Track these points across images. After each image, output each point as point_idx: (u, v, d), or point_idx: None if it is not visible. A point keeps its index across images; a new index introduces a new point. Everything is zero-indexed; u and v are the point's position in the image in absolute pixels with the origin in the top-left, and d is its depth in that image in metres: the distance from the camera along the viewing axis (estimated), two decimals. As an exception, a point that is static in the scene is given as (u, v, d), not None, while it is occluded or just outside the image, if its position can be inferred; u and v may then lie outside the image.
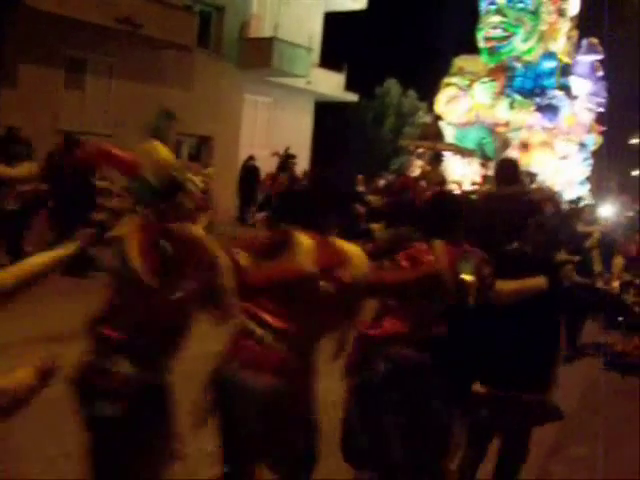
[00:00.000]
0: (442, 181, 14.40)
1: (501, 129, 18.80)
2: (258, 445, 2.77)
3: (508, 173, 5.42)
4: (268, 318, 2.75)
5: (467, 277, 3.16)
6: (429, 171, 14.60)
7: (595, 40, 20.92)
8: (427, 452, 3.27)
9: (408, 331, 3.27)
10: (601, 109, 21.46)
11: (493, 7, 19.02)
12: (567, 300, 4.41)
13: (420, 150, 18.13)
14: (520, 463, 3.79)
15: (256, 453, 2.82)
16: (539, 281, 3.57)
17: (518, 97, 18.57)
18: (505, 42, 18.92)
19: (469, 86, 19.40)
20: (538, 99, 18.50)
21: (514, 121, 18.57)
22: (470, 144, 18.59)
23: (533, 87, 18.74)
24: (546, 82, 18.78)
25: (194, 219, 2.78)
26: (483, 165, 18.07)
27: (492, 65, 19.37)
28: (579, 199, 19.90)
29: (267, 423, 2.71)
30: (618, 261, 9.33)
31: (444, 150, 17.50)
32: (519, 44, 18.96)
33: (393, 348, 3.25)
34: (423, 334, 3.31)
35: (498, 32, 18.91)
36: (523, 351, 3.58)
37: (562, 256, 4.79)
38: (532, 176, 17.38)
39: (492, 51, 19.04)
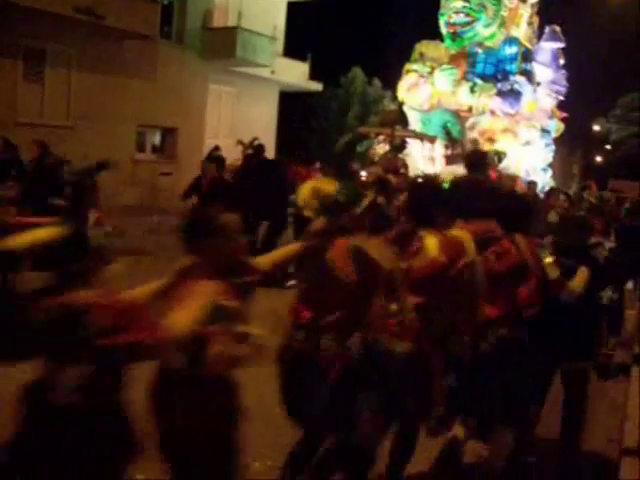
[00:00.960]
0: (403, 168, 14.50)
1: (464, 114, 18.87)
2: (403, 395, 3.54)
3: (476, 161, 6.05)
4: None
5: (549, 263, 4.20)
6: (389, 159, 14.67)
7: (557, 28, 21.12)
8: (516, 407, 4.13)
9: (504, 314, 3.98)
10: (561, 97, 21.68)
11: (454, -9, 19.06)
12: (608, 275, 5.23)
13: (381, 137, 18.16)
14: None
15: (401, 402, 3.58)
16: (585, 270, 4.33)
17: (479, 81, 18.67)
18: (468, 27, 18.97)
19: (430, 73, 19.44)
20: (500, 84, 18.60)
21: (476, 106, 18.66)
22: (435, 127, 18.61)
23: (495, 72, 18.84)
24: (508, 67, 18.90)
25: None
26: (447, 147, 18.17)
27: (454, 50, 19.42)
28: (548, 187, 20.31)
29: (408, 378, 3.50)
30: None
31: (403, 136, 17.55)
32: (481, 29, 19.03)
33: (495, 328, 3.97)
34: (517, 316, 4.07)
35: (461, 17, 18.94)
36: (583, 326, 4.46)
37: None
38: (500, 155, 17.61)
39: (455, 36, 19.08)
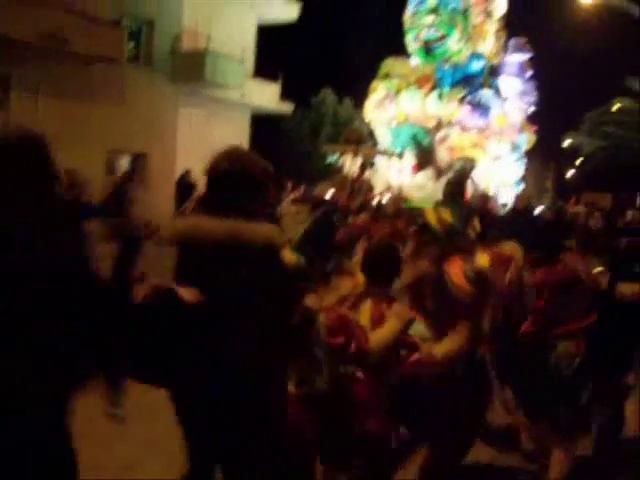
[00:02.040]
0: (369, 188, 14.42)
1: (433, 127, 18.87)
2: None
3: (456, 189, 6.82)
4: None
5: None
6: (343, 178, 14.59)
7: (523, 39, 21.33)
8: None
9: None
10: (532, 108, 21.83)
11: (424, 7, 19.13)
12: None
13: (347, 155, 18.08)
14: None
15: None
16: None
17: (446, 88, 18.76)
18: (439, 43, 19.08)
19: (396, 92, 19.46)
20: (469, 96, 18.70)
21: (444, 115, 18.70)
22: (404, 140, 18.59)
23: (462, 85, 18.95)
24: (475, 82, 19.03)
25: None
26: (417, 157, 18.14)
27: (425, 66, 19.47)
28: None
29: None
30: None
31: (367, 154, 17.52)
32: (453, 45, 19.16)
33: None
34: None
35: (432, 32, 19.04)
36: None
37: None
38: (471, 162, 17.65)
39: (428, 51, 19.13)
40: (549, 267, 4.43)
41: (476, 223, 5.51)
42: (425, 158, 18.15)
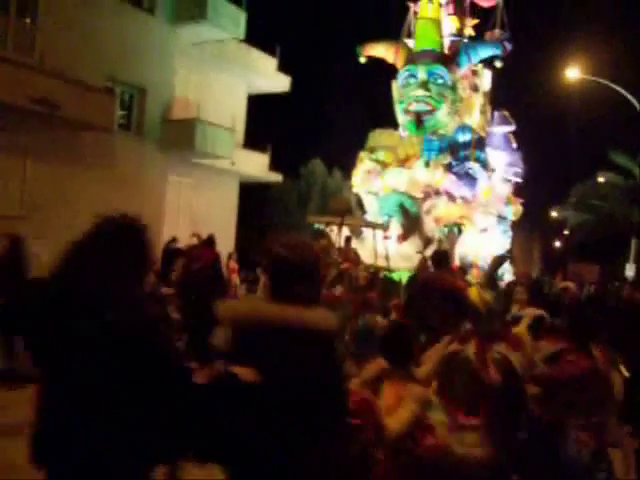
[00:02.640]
0: (355, 260, 14.28)
1: (421, 198, 18.93)
2: None
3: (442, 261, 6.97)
4: None
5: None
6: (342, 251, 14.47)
7: (506, 112, 21.76)
8: None
9: None
10: (518, 179, 22.07)
11: (414, 80, 19.47)
12: None
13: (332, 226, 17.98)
14: None
15: None
16: None
17: (433, 155, 18.95)
18: (429, 115, 19.36)
19: (383, 167, 19.59)
20: (456, 167, 18.88)
21: (431, 183, 18.81)
22: (391, 207, 18.59)
23: (448, 153, 19.16)
24: (462, 154, 19.25)
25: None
26: (403, 226, 18.09)
27: (412, 137, 19.70)
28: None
29: None
30: None
31: (352, 225, 17.46)
32: (442, 117, 19.46)
33: None
34: None
35: (422, 105, 19.34)
36: None
37: None
38: (460, 226, 17.68)
39: (419, 124, 19.38)
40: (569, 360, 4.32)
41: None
42: (412, 227, 18.14)
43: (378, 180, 19.35)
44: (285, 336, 2.65)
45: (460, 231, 17.82)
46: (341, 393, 2.87)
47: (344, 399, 2.91)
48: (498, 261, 6.60)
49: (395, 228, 18.12)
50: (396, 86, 20.05)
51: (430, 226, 18.59)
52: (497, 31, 21.05)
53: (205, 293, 9.33)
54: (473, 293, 4.16)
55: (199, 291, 10.07)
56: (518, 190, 22.29)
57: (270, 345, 2.65)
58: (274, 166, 26.37)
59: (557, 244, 54.51)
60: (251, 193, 28.12)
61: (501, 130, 21.75)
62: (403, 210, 18.17)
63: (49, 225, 16.37)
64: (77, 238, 2.69)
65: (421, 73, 19.22)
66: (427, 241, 18.18)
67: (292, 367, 2.63)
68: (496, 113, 21.67)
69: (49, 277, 2.60)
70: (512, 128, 21.90)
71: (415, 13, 21.74)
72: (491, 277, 8.16)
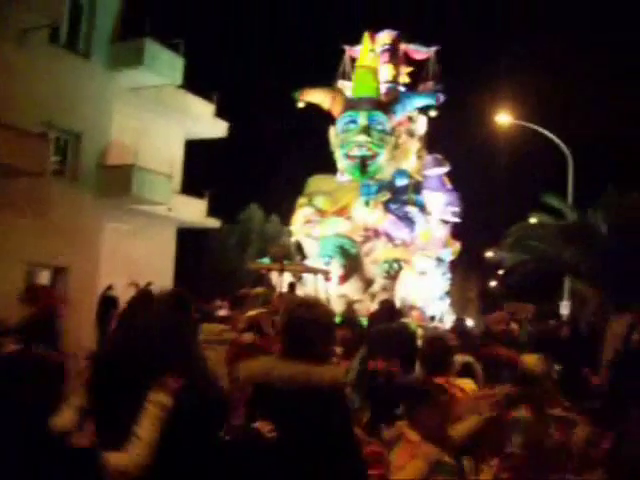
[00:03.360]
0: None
1: (359, 239, 19.00)
2: None
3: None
4: None
5: None
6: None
7: (439, 155, 22.26)
8: None
9: None
10: (457, 219, 22.44)
11: (354, 126, 19.67)
12: None
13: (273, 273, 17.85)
14: None
15: None
16: None
17: (372, 195, 19.13)
18: (371, 161, 19.58)
19: (321, 215, 19.63)
20: (393, 208, 19.07)
21: (370, 223, 18.94)
22: (331, 248, 18.56)
23: (387, 200, 19.36)
24: (400, 198, 19.50)
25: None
26: (344, 267, 18.07)
27: (351, 182, 19.87)
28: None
29: None
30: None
31: (293, 271, 17.40)
32: (383, 162, 19.72)
33: None
34: None
35: (364, 150, 19.53)
36: None
37: None
38: (399, 262, 17.74)
39: (364, 168, 19.53)
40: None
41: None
42: (352, 267, 18.17)
43: (317, 228, 19.39)
44: (295, 391, 2.86)
45: (400, 267, 17.92)
46: (351, 444, 3.02)
47: (355, 449, 3.04)
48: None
49: (336, 269, 18.07)
50: (334, 132, 20.23)
51: (370, 268, 18.66)
52: (430, 83, 21.61)
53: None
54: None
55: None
56: (455, 232, 22.67)
57: (283, 400, 2.87)
58: (212, 212, 26.21)
59: (493, 284, 55.59)
60: (188, 239, 27.82)
61: (435, 172, 22.18)
62: (343, 251, 18.19)
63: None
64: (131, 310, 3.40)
65: (362, 119, 19.46)
66: (367, 282, 18.23)
67: (303, 420, 2.84)
68: (429, 156, 22.11)
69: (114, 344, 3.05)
70: (446, 170, 22.38)
71: (350, 57, 22.18)
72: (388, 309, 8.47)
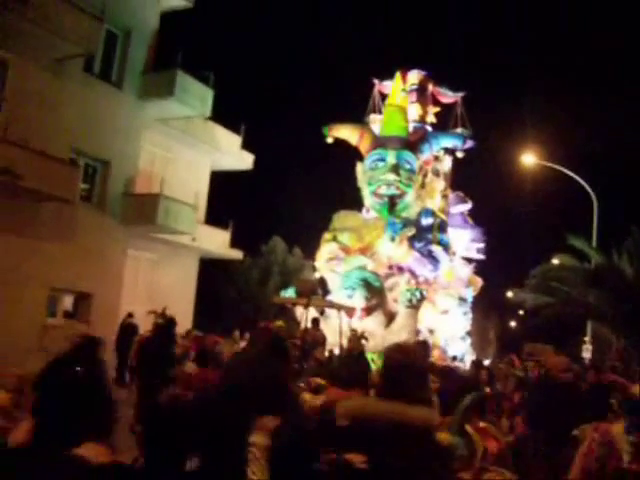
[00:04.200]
0: (322, 342, 14.15)
1: (383, 273, 18.91)
2: None
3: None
4: None
5: None
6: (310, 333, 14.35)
7: (461, 193, 22.25)
8: None
9: None
10: (481, 256, 22.31)
11: (382, 164, 19.73)
12: None
13: (299, 307, 17.83)
14: None
15: None
16: None
17: (399, 230, 19.06)
18: (400, 199, 19.63)
19: (346, 253, 19.60)
20: (418, 246, 19.00)
21: (395, 259, 18.87)
22: (355, 281, 18.45)
23: (412, 238, 19.29)
24: (425, 237, 19.45)
25: None
26: (367, 299, 17.93)
27: (377, 220, 19.86)
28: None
29: None
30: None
31: (318, 306, 17.36)
32: (411, 201, 19.76)
33: None
34: None
35: (392, 189, 19.59)
36: None
37: None
38: (422, 292, 17.62)
39: (393, 207, 19.57)
40: None
41: None
42: (375, 300, 18.02)
43: (341, 265, 19.36)
44: (388, 429, 3.03)
45: (423, 296, 17.77)
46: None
47: None
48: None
49: (359, 301, 17.95)
50: (362, 168, 20.32)
51: (392, 304, 18.52)
52: (459, 129, 21.72)
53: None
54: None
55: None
56: (477, 271, 22.54)
57: (377, 436, 3.04)
58: (235, 243, 26.32)
59: (513, 325, 55.05)
60: (212, 269, 27.93)
61: (459, 209, 22.17)
62: (366, 284, 18.10)
63: (6, 298, 15.95)
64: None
65: (391, 157, 19.54)
66: (390, 317, 18.08)
67: (395, 455, 2.98)
68: (451, 195, 22.11)
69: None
70: (469, 207, 22.35)
71: (379, 91, 22.37)
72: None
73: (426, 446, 3.12)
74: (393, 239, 18.90)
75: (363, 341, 13.49)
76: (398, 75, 21.22)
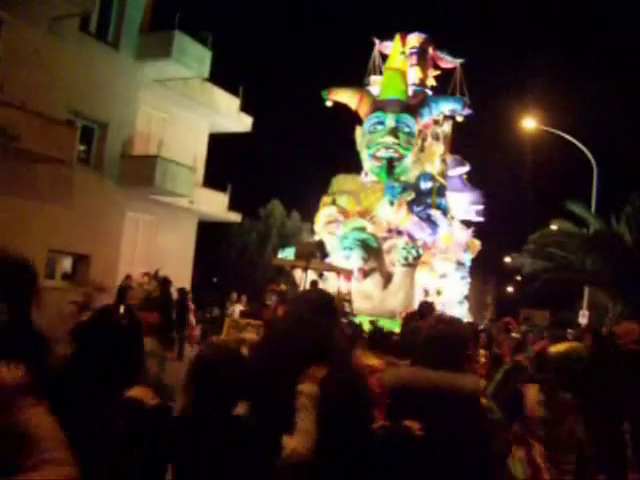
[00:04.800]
0: None
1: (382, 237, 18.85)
2: None
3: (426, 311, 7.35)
4: None
5: None
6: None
7: (458, 156, 22.08)
8: None
9: None
10: (480, 218, 22.25)
11: (381, 127, 19.55)
12: None
13: (297, 269, 17.86)
14: None
15: None
16: None
17: (397, 196, 18.96)
18: (399, 162, 19.47)
19: (345, 217, 19.54)
20: (417, 210, 18.92)
21: (394, 222, 18.82)
22: (352, 242, 18.41)
23: (411, 202, 19.20)
24: (424, 201, 19.35)
25: None
26: (364, 259, 17.91)
27: (375, 183, 19.76)
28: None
29: None
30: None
31: (317, 269, 17.37)
32: (409, 165, 19.62)
33: None
34: None
35: (391, 152, 19.42)
36: None
37: None
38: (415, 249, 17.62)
39: (391, 169, 19.44)
40: None
41: None
42: (373, 260, 17.95)
43: (340, 228, 19.32)
44: (438, 397, 3.22)
45: (419, 254, 17.71)
46: (487, 447, 3.39)
47: (489, 454, 3.43)
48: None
49: (356, 262, 17.90)
50: (361, 132, 20.15)
51: (390, 266, 18.46)
52: (457, 96, 21.49)
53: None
54: None
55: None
56: (476, 234, 22.48)
57: (427, 403, 3.22)
58: (233, 206, 26.25)
59: (510, 290, 55.34)
60: (210, 232, 27.90)
61: (457, 172, 22.04)
62: (364, 244, 18.05)
63: None
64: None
65: (389, 120, 19.35)
66: (387, 278, 18.07)
67: (445, 422, 3.16)
68: (449, 158, 21.93)
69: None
70: (467, 169, 22.21)
71: (380, 52, 22.10)
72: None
73: (475, 410, 3.36)
74: (392, 203, 18.81)
75: (346, 304, 13.48)
76: (398, 38, 20.96)
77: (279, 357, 3.11)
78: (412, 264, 17.67)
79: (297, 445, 2.82)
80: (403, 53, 20.78)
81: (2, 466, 1.84)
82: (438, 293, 18.67)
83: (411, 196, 18.80)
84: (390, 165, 19.33)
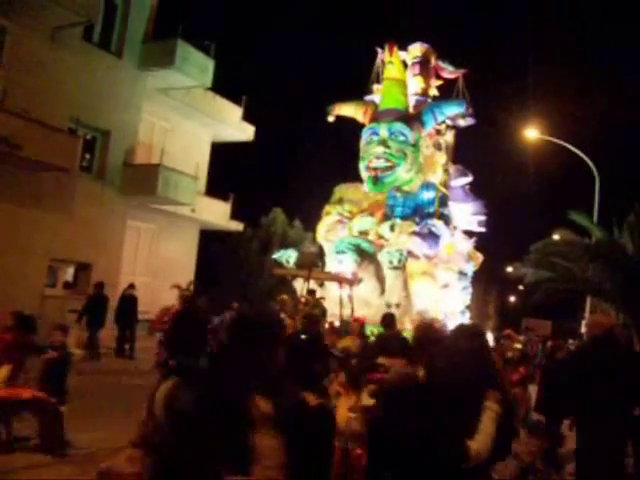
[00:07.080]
0: (323, 313, 14.13)
1: (379, 243, 18.75)
2: None
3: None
4: None
5: None
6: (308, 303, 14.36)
7: (461, 166, 22.02)
8: None
9: None
10: (482, 229, 22.18)
11: (376, 138, 19.58)
12: None
13: (298, 279, 17.77)
14: None
15: None
16: None
17: (399, 220, 18.88)
18: (389, 172, 19.39)
19: (349, 218, 19.58)
20: (418, 227, 18.85)
21: (395, 243, 18.76)
22: (346, 246, 18.32)
23: (413, 215, 19.11)
24: (426, 211, 19.27)
25: None
26: (357, 263, 17.81)
27: (374, 194, 19.73)
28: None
29: None
30: None
31: (318, 279, 17.30)
32: (402, 174, 19.51)
33: None
34: None
35: (381, 162, 19.37)
36: None
37: None
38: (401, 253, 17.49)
39: (376, 180, 19.42)
40: None
41: None
42: (367, 268, 17.81)
43: (344, 232, 19.28)
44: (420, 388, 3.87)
45: (405, 257, 17.61)
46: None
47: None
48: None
49: (349, 266, 17.76)
50: (361, 143, 20.18)
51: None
52: None
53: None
54: None
55: None
56: (478, 245, 22.42)
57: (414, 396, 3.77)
58: (235, 215, 26.26)
59: (512, 299, 55.23)
60: (211, 241, 27.89)
61: (459, 182, 21.97)
62: (357, 248, 17.97)
63: (5, 269, 15.94)
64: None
65: (382, 131, 19.32)
66: (383, 283, 17.97)
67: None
68: (452, 168, 21.88)
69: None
70: (469, 179, 22.14)
71: (383, 61, 22.08)
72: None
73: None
74: (393, 229, 18.69)
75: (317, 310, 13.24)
76: (387, 48, 20.86)
77: (459, 383, 3.66)
78: (398, 267, 17.62)
79: (479, 445, 3.45)
80: (402, 62, 20.75)
81: (238, 467, 2.57)
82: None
83: (412, 228, 18.60)
84: (375, 176, 19.31)
